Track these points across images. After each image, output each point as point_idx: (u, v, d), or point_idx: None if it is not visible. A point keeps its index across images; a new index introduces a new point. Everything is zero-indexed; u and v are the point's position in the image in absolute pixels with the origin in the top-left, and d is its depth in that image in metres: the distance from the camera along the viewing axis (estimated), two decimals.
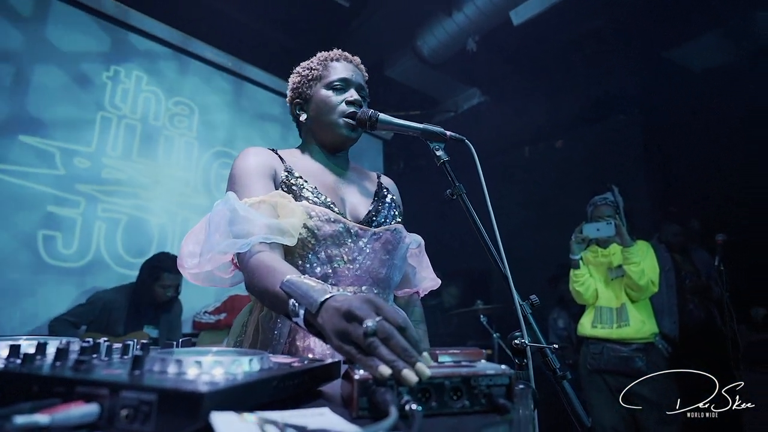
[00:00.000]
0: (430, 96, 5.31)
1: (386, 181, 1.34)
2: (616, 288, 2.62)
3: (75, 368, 0.47)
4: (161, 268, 2.78)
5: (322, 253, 1.04)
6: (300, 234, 1.01)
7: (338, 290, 0.70)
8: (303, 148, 1.26)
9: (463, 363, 0.57)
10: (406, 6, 3.93)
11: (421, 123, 1.09)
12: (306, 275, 0.79)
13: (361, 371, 0.51)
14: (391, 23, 4.17)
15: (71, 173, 3.09)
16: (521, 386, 0.67)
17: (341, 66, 1.20)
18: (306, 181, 1.11)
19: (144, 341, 0.64)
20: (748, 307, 3.20)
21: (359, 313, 0.56)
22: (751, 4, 3.38)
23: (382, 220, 1.17)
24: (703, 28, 3.67)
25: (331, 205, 1.08)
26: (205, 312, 3.24)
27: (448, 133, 1.07)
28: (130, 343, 0.61)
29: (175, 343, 0.68)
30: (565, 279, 2.83)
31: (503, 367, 0.54)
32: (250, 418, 0.39)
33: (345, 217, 1.09)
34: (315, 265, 1.04)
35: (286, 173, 1.11)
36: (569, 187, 4.32)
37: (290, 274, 0.77)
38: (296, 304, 0.70)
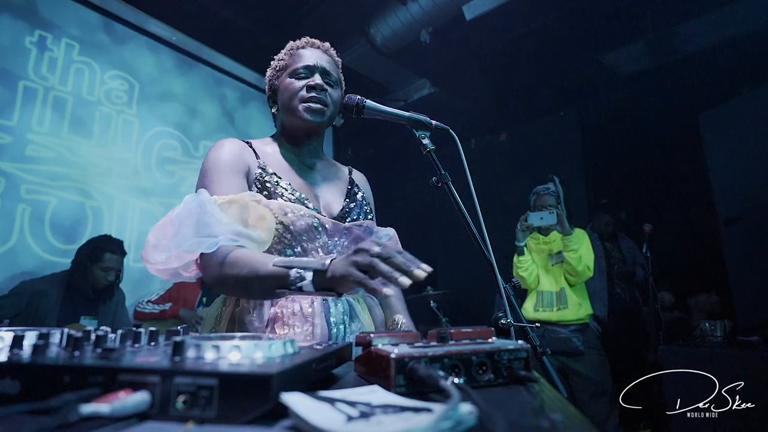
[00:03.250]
0: (381, 85, 5.31)
1: (357, 177, 1.34)
2: (556, 273, 2.82)
3: (105, 357, 0.45)
4: (103, 249, 2.59)
5: (298, 247, 1.06)
6: (276, 229, 1.02)
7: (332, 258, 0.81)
8: (278, 139, 1.24)
9: (479, 340, 0.61)
10: None
11: (407, 111, 1.11)
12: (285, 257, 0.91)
13: (396, 350, 0.53)
14: (345, 9, 4.11)
15: None
16: None
17: (307, 52, 1.18)
18: (280, 178, 1.11)
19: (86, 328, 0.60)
20: (660, 291, 3.60)
21: (365, 246, 0.74)
22: (675, 18, 3.73)
23: (355, 216, 1.19)
24: (632, 35, 3.99)
25: (305, 201, 1.09)
26: (148, 301, 3.05)
27: (434, 122, 1.11)
28: (141, 331, 0.58)
29: (180, 329, 0.66)
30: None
31: (521, 342, 0.58)
32: (318, 398, 0.40)
33: (319, 213, 1.10)
34: (299, 255, 1.06)
35: (260, 170, 1.10)
36: (513, 178, 4.55)
37: (276, 258, 0.86)
38: (300, 271, 0.80)
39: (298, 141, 1.21)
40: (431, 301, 3.54)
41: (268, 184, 1.08)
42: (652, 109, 4.07)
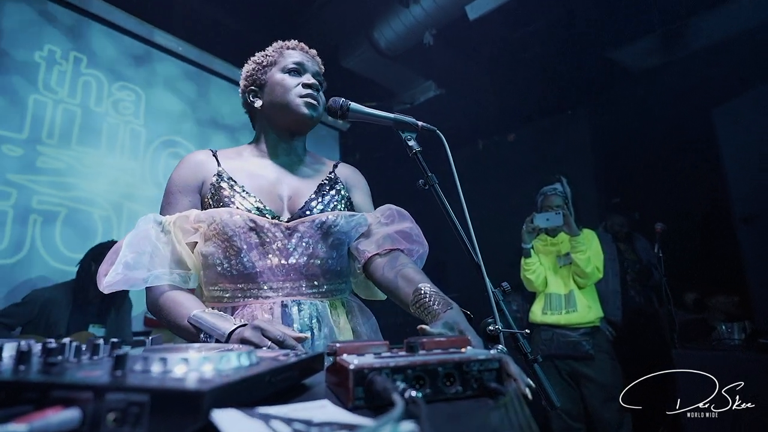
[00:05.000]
0: (387, 88, 5.30)
1: (343, 171, 1.30)
2: (564, 275, 2.75)
3: (46, 371, 0.43)
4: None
5: (254, 251, 1.05)
6: (224, 238, 1.04)
7: (240, 320, 0.90)
8: (255, 140, 1.25)
9: (452, 350, 0.58)
10: None
11: (393, 113, 1.09)
12: (207, 309, 0.95)
13: (355, 361, 0.50)
14: (348, 14, 4.13)
15: (0, 162, 2.81)
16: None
17: (297, 53, 1.21)
18: (235, 182, 1.11)
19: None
20: (681, 292, 3.48)
21: (253, 340, 0.81)
22: (685, 11, 3.63)
23: (320, 209, 1.14)
24: (642, 31, 3.90)
25: (260, 206, 1.08)
26: None
27: (420, 123, 1.08)
28: (100, 342, 0.57)
29: (146, 340, 0.65)
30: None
31: (492, 351, 0.55)
32: (254, 414, 0.38)
33: (272, 216, 1.08)
34: (247, 264, 1.05)
35: (216, 177, 1.12)
36: (522, 179, 4.49)
37: (195, 309, 0.94)
38: (207, 336, 0.89)
39: (279, 139, 1.20)
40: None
41: (223, 191, 1.09)
42: (664, 105, 3.97)
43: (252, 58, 1.25)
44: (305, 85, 1.16)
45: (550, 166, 4.37)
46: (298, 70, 1.18)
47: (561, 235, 2.81)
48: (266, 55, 1.22)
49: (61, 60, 3.16)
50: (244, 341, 0.82)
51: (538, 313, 2.76)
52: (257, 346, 0.80)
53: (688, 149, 3.70)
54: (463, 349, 0.59)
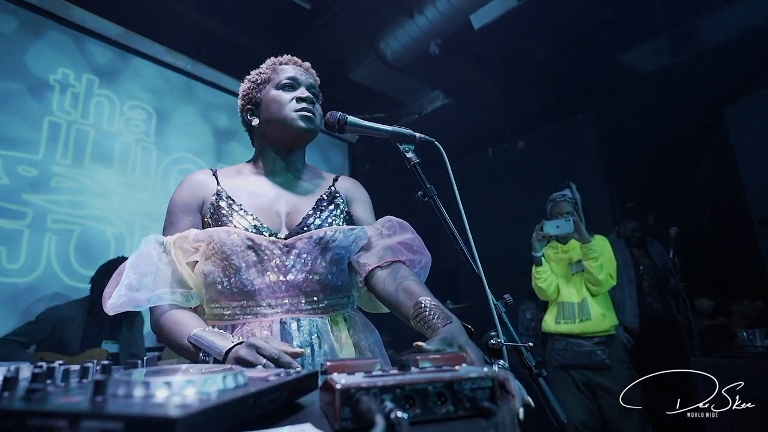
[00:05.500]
0: (394, 98, 5.32)
1: (343, 184, 1.28)
2: (577, 283, 2.70)
3: (26, 398, 0.43)
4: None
5: (252, 270, 1.05)
6: (223, 257, 1.05)
7: (238, 337, 0.90)
8: (254, 158, 1.26)
9: (445, 368, 0.56)
10: (368, 9, 3.93)
11: (390, 125, 1.08)
12: (206, 328, 0.95)
13: (342, 380, 0.49)
14: (354, 26, 4.16)
15: (16, 183, 2.89)
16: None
17: (290, 68, 1.22)
18: (233, 201, 1.12)
19: (104, 361, 0.60)
20: (698, 297, 3.39)
21: (248, 359, 0.80)
22: (693, 12, 3.59)
23: (318, 224, 1.13)
24: (649, 32, 3.86)
25: (257, 224, 1.09)
26: None
27: (418, 135, 1.07)
28: (89, 365, 0.56)
29: (139, 361, 0.64)
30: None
31: (485, 369, 0.54)
32: None
33: (270, 234, 1.09)
34: (246, 282, 1.05)
35: (215, 197, 1.13)
36: (531, 185, 4.44)
37: (195, 328, 0.94)
38: (206, 354, 0.89)
39: (277, 154, 1.21)
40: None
41: (221, 210, 1.11)
42: (674, 106, 3.90)
43: (247, 77, 1.26)
44: (299, 99, 1.16)
45: (559, 172, 4.32)
46: (292, 85, 1.18)
47: (572, 242, 2.77)
48: (260, 73, 1.24)
49: (75, 82, 3.25)
50: (239, 360, 0.81)
51: (551, 322, 2.70)
52: (252, 365, 0.79)
53: (700, 151, 3.63)
54: (456, 367, 0.57)
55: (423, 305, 0.94)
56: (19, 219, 2.88)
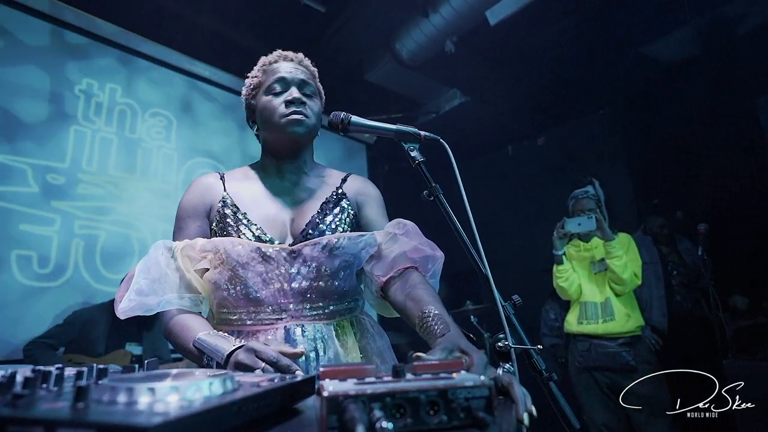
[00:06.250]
0: (412, 99, 5.30)
1: (352, 185, 1.24)
2: (600, 282, 2.62)
3: (11, 404, 0.43)
4: None
5: (257, 279, 1.05)
6: (229, 267, 1.05)
7: (239, 340, 0.89)
8: (260, 161, 1.25)
9: (442, 375, 0.54)
10: (382, 9, 3.92)
11: (395, 124, 1.06)
12: (212, 331, 0.95)
13: (330, 387, 0.48)
14: (369, 27, 4.16)
15: (45, 190, 2.99)
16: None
17: (281, 66, 1.17)
18: (238, 209, 1.11)
19: (119, 366, 0.60)
20: (730, 296, 3.23)
21: (246, 363, 0.80)
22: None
23: (323, 230, 1.11)
24: (675, 22, 3.72)
25: (260, 234, 1.08)
26: None
27: (422, 133, 1.05)
28: (84, 370, 0.57)
29: (137, 365, 0.64)
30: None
31: (482, 378, 0.51)
32: None
33: (274, 242, 1.08)
34: (251, 290, 1.05)
35: (221, 203, 1.13)
36: (553, 183, 4.35)
37: (201, 332, 0.94)
38: (209, 359, 0.89)
39: (280, 160, 1.19)
40: (471, 316, 3.40)
41: (227, 219, 1.10)
42: (703, 97, 3.74)
43: (246, 80, 1.24)
44: (287, 103, 1.12)
45: (582, 168, 4.21)
46: (281, 89, 1.14)
47: (595, 240, 2.68)
48: (253, 77, 1.21)
49: (98, 92, 3.35)
50: (238, 365, 0.81)
51: (573, 322, 2.63)
52: (252, 369, 0.79)
53: (730, 143, 3.47)
54: (454, 374, 0.55)
55: (426, 313, 0.92)
56: (49, 225, 2.99)
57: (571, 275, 2.64)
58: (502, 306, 0.89)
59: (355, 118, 1.08)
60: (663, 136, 4.00)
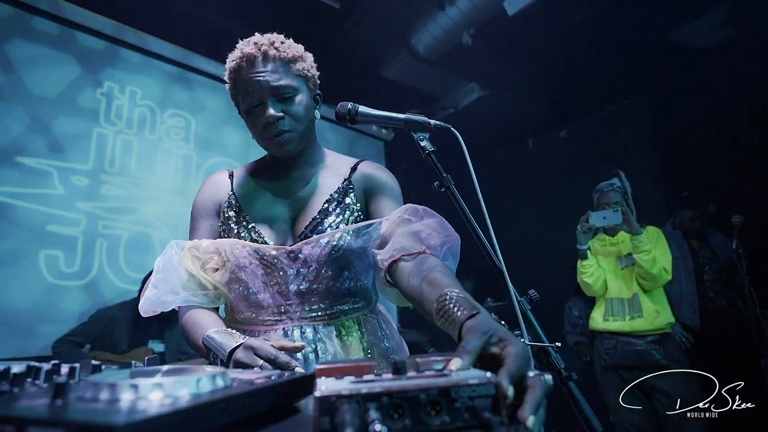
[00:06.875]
0: (429, 94, 5.23)
1: (360, 173, 1.15)
2: (627, 277, 2.52)
3: None
4: None
5: (257, 281, 1.04)
6: (231, 269, 1.05)
7: (244, 337, 0.88)
8: (267, 157, 1.21)
9: (445, 372, 0.50)
10: (397, 3, 3.87)
11: (404, 113, 1.03)
12: (221, 328, 0.94)
13: (323, 387, 0.44)
14: (384, 22, 4.11)
15: (70, 192, 3.07)
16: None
17: (245, 78, 1.02)
18: (241, 209, 1.10)
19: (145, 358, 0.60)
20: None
21: (244, 361, 0.81)
22: None
23: (324, 228, 1.06)
24: (708, 3, 3.55)
25: (259, 237, 1.06)
26: None
27: (433, 121, 1.01)
28: (76, 366, 0.55)
29: (133, 361, 0.63)
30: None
31: (488, 374, 0.47)
32: None
33: (274, 243, 1.06)
34: (251, 293, 1.05)
35: (227, 203, 1.12)
36: (576, 176, 4.22)
37: (211, 329, 0.93)
38: (215, 356, 0.90)
39: (280, 162, 1.16)
40: (492, 313, 3.32)
41: (230, 220, 1.10)
42: (736, 83, 3.56)
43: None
44: (265, 126, 1.03)
45: (607, 161, 4.07)
46: (256, 107, 1.04)
47: (621, 234, 2.58)
48: (229, 88, 1.11)
49: (119, 95, 3.42)
50: (236, 363, 0.80)
51: (598, 319, 2.54)
52: (251, 367, 0.77)
53: (766, 130, 3.29)
54: (451, 370, 0.51)
55: (448, 297, 0.74)
56: (74, 226, 3.07)
57: (596, 270, 2.54)
58: (518, 301, 0.84)
59: (362, 108, 1.04)
60: (694, 125, 3.83)
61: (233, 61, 1.05)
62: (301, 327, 1.03)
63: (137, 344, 2.68)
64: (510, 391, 0.44)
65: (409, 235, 0.96)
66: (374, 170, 1.17)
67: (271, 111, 1.01)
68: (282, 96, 1.03)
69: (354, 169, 1.16)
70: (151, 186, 3.45)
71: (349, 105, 1.05)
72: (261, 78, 1.01)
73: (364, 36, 4.23)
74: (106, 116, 3.33)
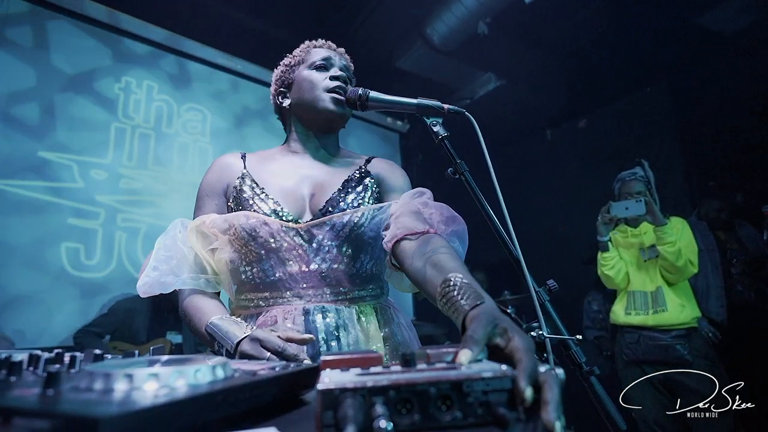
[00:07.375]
0: (445, 85, 5.15)
1: (375, 165, 1.20)
2: (650, 270, 2.43)
3: None
4: None
5: (273, 258, 1.01)
6: (242, 243, 1.02)
7: (251, 327, 0.86)
8: (285, 141, 1.22)
9: (456, 364, 0.47)
10: None
11: (416, 98, 0.99)
12: (225, 315, 0.92)
13: (327, 379, 0.42)
14: (398, 13, 4.05)
15: (89, 185, 3.12)
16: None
17: (324, 50, 1.19)
18: (256, 184, 1.08)
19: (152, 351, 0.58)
20: None
21: (251, 353, 0.79)
22: None
23: (343, 206, 1.05)
24: None
25: (277, 208, 1.03)
26: None
27: (446, 106, 0.97)
28: (77, 355, 0.54)
29: (136, 351, 0.61)
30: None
31: (504, 367, 0.44)
32: None
33: (290, 219, 1.03)
34: (268, 272, 1.01)
35: (240, 180, 1.10)
36: (596, 167, 4.11)
37: (214, 315, 0.91)
38: (220, 345, 0.87)
39: (307, 136, 1.17)
40: (509, 306, 3.27)
41: (243, 194, 1.07)
42: (763, 67, 3.40)
43: (281, 62, 1.24)
44: (333, 78, 1.12)
45: (629, 151, 3.95)
46: (325, 66, 1.15)
47: (644, 225, 2.50)
48: (294, 56, 1.21)
49: (136, 89, 3.45)
50: (242, 354, 0.79)
51: (620, 313, 2.46)
52: (257, 359, 0.75)
53: None
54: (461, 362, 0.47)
55: (452, 283, 0.70)
56: (94, 219, 3.12)
57: (617, 263, 2.47)
58: (536, 291, 0.80)
59: (373, 94, 1.02)
60: (720, 113, 3.68)
61: (315, 42, 1.21)
62: (323, 307, 0.99)
63: (156, 335, 2.72)
64: (529, 392, 0.40)
65: (413, 214, 0.95)
66: (387, 164, 1.22)
67: (342, 73, 1.13)
68: (346, 70, 1.17)
69: (369, 161, 1.21)
70: (168, 179, 3.48)
71: (360, 90, 1.02)
72: (338, 56, 1.19)
73: (379, 27, 4.19)
74: (124, 111, 3.36)
